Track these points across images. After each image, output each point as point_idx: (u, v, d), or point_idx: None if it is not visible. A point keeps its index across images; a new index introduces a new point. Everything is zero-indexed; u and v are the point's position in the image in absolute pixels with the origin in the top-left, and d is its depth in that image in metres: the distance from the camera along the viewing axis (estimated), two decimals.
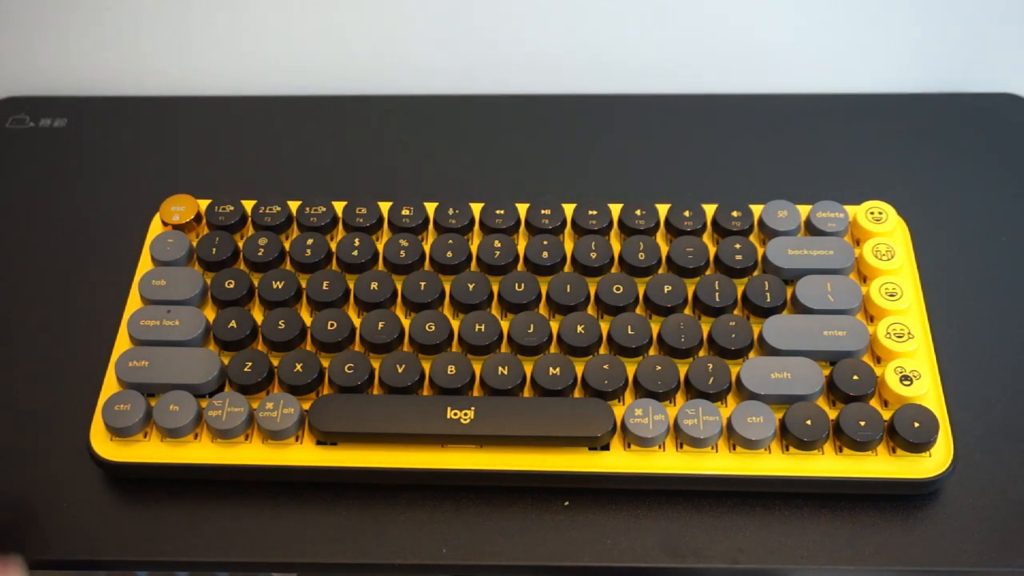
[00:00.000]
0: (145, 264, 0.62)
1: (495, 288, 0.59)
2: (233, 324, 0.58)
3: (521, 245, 0.62)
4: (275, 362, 0.57)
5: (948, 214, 0.67)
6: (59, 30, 0.73)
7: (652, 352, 0.57)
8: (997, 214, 0.67)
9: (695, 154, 0.71)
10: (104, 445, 0.55)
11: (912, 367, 0.56)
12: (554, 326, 0.58)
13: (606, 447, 0.55)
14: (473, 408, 0.54)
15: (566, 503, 0.55)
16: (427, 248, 0.61)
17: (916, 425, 0.54)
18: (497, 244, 0.61)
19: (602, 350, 0.58)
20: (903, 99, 0.74)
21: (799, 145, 0.71)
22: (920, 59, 0.75)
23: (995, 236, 0.66)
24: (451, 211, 0.62)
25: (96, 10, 0.72)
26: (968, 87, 0.76)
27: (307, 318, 0.59)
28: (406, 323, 0.58)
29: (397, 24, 0.73)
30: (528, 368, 0.56)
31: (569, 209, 0.63)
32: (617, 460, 0.54)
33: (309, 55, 0.75)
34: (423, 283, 0.59)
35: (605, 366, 0.56)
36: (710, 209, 0.63)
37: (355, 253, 0.60)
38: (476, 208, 0.63)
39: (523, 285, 0.59)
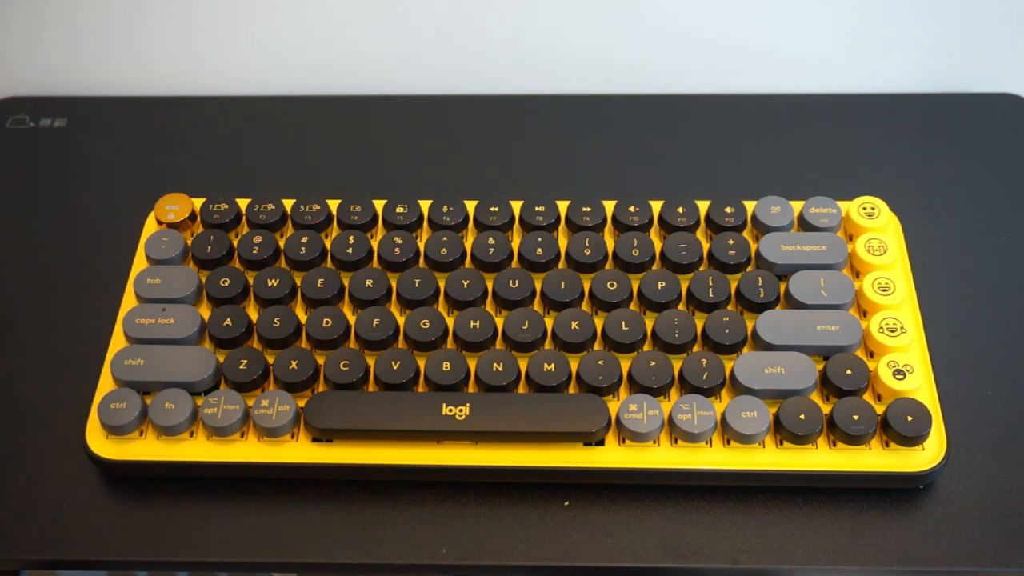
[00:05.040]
0: (140, 263, 0.62)
1: (489, 285, 0.60)
2: (228, 322, 0.58)
3: (515, 242, 0.62)
4: (270, 360, 0.57)
5: (942, 210, 0.67)
6: (59, 30, 0.74)
7: (646, 348, 0.58)
8: (993, 212, 0.67)
9: (691, 153, 0.71)
10: (100, 443, 0.55)
11: (905, 361, 0.56)
12: (548, 322, 0.58)
13: (601, 442, 0.55)
14: (468, 404, 0.54)
15: (566, 503, 0.55)
16: (421, 245, 0.62)
17: (909, 419, 0.54)
18: (491, 241, 0.61)
19: (596, 346, 0.58)
20: (903, 99, 0.74)
21: (797, 144, 0.71)
22: (920, 59, 0.75)
23: (990, 233, 0.66)
24: (445, 208, 0.63)
25: (96, 10, 0.72)
26: (968, 87, 0.76)
27: (302, 315, 0.59)
28: (401, 320, 0.58)
29: (392, 24, 0.73)
30: (523, 364, 0.56)
31: (563, 206, 0.63)
32: (612, 455, 0.54)
33: (304, 55, 0.75)
34: (418, 280, 0.59)
35: (600, 362, 0.56)
36: (703, 205, 0.63)
37: (350, 251, 0.61)
38: (470, 205, 0.63)
39: (517, 282, 0.59)
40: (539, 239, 0.61)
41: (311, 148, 0.72)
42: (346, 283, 0.60)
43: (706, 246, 0.61)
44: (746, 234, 0.62)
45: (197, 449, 0.55)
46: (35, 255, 0.67)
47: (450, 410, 0.54)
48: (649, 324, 0.58)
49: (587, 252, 0.60)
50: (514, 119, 0.74)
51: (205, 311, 0.60)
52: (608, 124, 0.73)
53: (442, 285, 0.60)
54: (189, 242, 0.62)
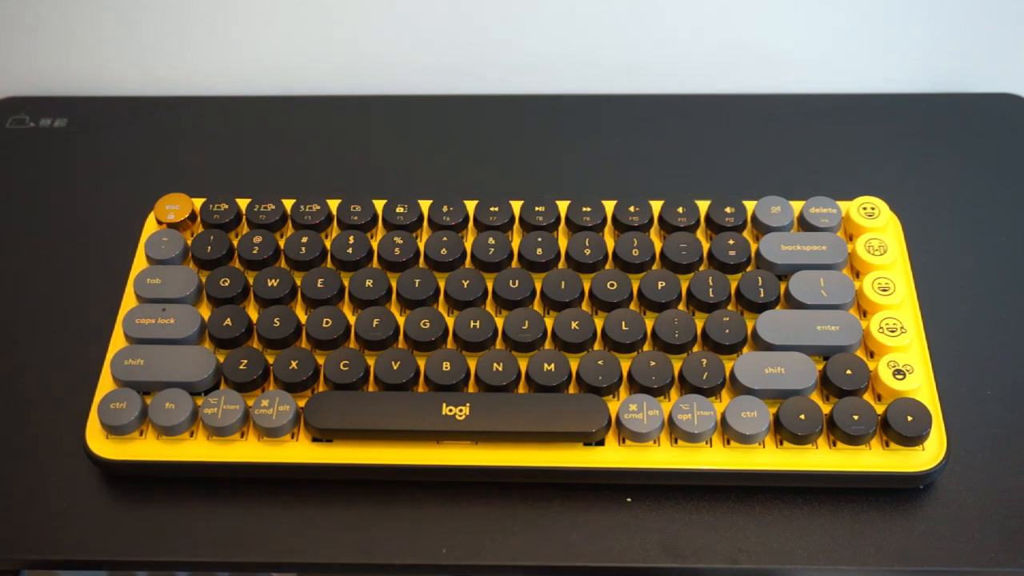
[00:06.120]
0: (140, 263, 0.62)
1: (489, 285, 0.60)
2: (228, 322, 0.58)
3: (515, 242, 0.62)
4: (270, 360, 0.57)
5: (942, 210, 0.67)
6: (59, 30, 0.74)
7: (646, 348, 0.57)
8: (993, 212, 0.67)
9: (691, 153, 0.71)
10: (100, 443, 0.55)
11: (905, 361, 0.56)
12: (548, 322, 0.58)
13: (601, 442, 0.55)
14: (468, 404, 0.54)
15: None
16: (421, 245, 0.62)
17: (909, 419, 0.54)
18: (491, 241, 0.61)
19: (596, 346, 0.58)
20: (903, 99, 0.74)
21: (797, 144, 0.71)
22: (921, 59, 0.75)
23: (990, 233, 0.66)
24: (445, 208, 0.63)
25: (96, 10, 0.72)
26: (968, 87, 0.76)
27: (302, 315, 0.59)
28: (401, 320, 0.58)
29: (392, 24, 0.73)
30: (523, 364, 0.56)
31: (563, 206, 0.63)
32: (612, 455, 0.54)
33: (304, 55, 0.75)
34: (418, 280, 0.59)
35: (600, 362, 0.56)
36: (703, 205, 0.63)
37: (350, 251, 0.61)
38: (470, 205, 0.63)
39: (517, 282, 0.59)
40: (539, 239, 0.61)
41: (311, 148, 0.72)
42: (346, 283, 0.60)
43: (706, 246, 0.61)
44: (746, 234, 0.62)
45: (197, 449, 0.55)
46: (35, 255, 0.67)
47: (450, 410, 0.54)
48: (649, 324, 0.58)
49: (587, 252, 0.60)
50: (514, 119, 0.74)
51: (205, 311, 0.60)
52: (609, 124, 0.73)
53: (442, 285, 0.60)
54: (189, 242, 0.62)
